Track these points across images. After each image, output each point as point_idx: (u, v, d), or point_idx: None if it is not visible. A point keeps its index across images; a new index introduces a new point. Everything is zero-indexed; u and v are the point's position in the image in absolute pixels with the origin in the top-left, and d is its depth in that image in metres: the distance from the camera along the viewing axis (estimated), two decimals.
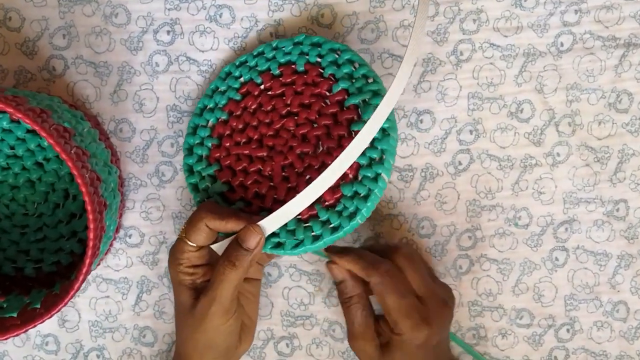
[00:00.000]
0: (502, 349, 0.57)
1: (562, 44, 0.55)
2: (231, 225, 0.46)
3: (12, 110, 0.41)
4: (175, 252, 0.48)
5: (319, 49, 0.50)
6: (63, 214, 0.53)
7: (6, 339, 0.44)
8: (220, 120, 0.51)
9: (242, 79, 0.52)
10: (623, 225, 0.56)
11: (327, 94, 0.49)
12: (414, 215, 0.56)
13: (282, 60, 0.51)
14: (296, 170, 0.49)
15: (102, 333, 0.56)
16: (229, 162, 0.50)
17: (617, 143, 0.55)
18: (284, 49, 0.51)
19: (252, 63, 0.52)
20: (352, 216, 0.46)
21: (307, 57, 0.50)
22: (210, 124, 0.52)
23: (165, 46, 0.54)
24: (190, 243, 0.47)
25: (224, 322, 0.47)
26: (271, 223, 0.46)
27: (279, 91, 0.50)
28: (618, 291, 0.56)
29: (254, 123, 0.51)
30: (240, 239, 0.46)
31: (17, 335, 0.44)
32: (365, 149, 0.45)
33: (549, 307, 0.56)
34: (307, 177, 0.48)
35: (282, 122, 0.50)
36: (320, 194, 0.45)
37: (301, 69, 0.50)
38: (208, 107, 0.52)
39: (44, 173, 0.53)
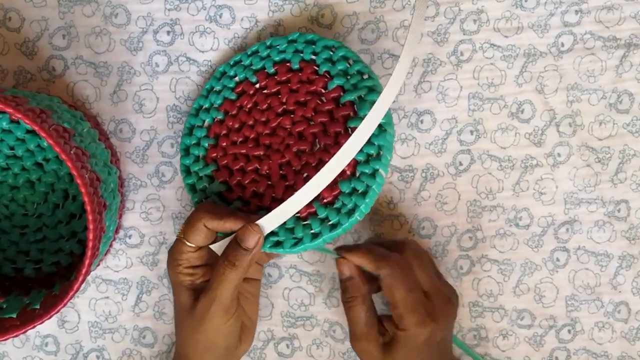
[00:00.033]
0: (503, 349, 0.57)
1: (562, 45, 0.54)
2: (230, 225, 0.46)
3: (12, 111, 0.41)
4: (174, 253, 0.48)
5: (313, 46, 0.50)
6: (63, 214, 0.53)
7: (6, 339, 0.44)
8: (216, 120, 0.51)
9: (237, 78, 0.52)
10: (624, 225, 0.56)
11: (323, 91, 0.49)
12: (415, 215, 0.56)
13: (276, 59, 0.51)
14: (293, 168, 0.49)
15: (101, 334, 0.56)
16: (226, 161, 0.50)
17: (618, 143, 0.55)
18: (278, 47, 0.51)
19: (247, 62, 0.52)
20: (350, 213, 0.46)
21: (301, 54, 0.50)
22: (206, 124, 0.52)
23: (165, 46, 0.54)
24: (188, 244, 0.47)
25: (223, 322, 0.47)
26: (269, 222, 0.46)
27: (274, 89, 0.50)
28: (619, 292, 0.56)
29: (250, 122, 0.50)
30: (239, 238, 0.46)
31: (16, 336, 0.44)
32: (362, 145, 0.45)
33: (550, 307, 0.56)
34: (305, 174, 0.48)
35: (278, 121, 0.50)
36: (319, 191, 0.45)
37: (296, 66, 0.50)
38: (204, 107, 0.52)
39: (44, 173, 0.53)
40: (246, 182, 0.50)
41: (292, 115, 0.50)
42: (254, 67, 0.51)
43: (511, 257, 0.56)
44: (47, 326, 0.56)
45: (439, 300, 0.49)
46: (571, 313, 0.56)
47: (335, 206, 0.47)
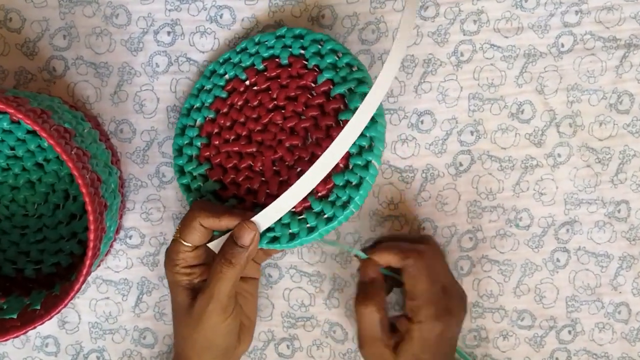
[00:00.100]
0: (503, 350, 0.57)
1: (562, 45, 0.54)
2: (225, 222, 0.46)
3: (13, 111, 0.41)
4: (170, 253, 0.48)
5: (302, 40, 0.50)
6: (63, 215, 0.53)
7: (6, 340, 0.44)
8: (207, 119, 0.51)
9: (227, 76, 0.52)
10: (624, 226, 0.56)
11: (313, 85, 0.49)
12: (415, 216, 0.56)
13: (265, 55, 0.51)
14: (287, 163, 0.49)
15: (102, 334, 0.56)
16: (219, 160, 0.50)
17: (618, 144, 0.55)
18: (266, 43, 0.51)
19: (236, 59, 0.52)
20: (345, 205, 0.46)
21: (290, 49, 0.50)
22: (198, 123, 0.52)
23: (165, 47, 0.54)
24: (185, 243, 0.47)
25: (222, 321, 0.47)
26: (265, 218, 0.46)
27: (265, 86, 0.51)
28: (620, 292, 0.56)
29: (242, 119, 0.51)
30: (234, 236, 0.46)
31: (17, 336, 0.44)
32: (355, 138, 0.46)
33: (550, 308, 0.56)
34: (298, 169, 0.49)
35: (269, 117, 0.50)
36: (313, 186, 0.45)
37: (285, 62, 0.50)
38: (195, 106, 0.52)
39: (44, 174, 0.53)
40: (240, 179, 0.50)
41: (283, 111, 0.50)
42: (243, 64, 0.51)
43: (511, 258, 0.56)
44: (48, 327, 0.56)
45: (455, 297, 0.50)
46: (571, 314, 0.56)
47: (329, 199, 0.47)
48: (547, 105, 0.55)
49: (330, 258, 0.56)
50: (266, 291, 0.56)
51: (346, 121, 0.45)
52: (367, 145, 0.46)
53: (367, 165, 0.46)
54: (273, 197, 0.46)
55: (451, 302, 0.50)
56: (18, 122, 0.52)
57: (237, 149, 0.50)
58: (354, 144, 0.46)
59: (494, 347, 0.57)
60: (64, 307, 0.44)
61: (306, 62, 0.50)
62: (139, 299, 0.56)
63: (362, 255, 0.52)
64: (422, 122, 0.55)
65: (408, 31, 0.45)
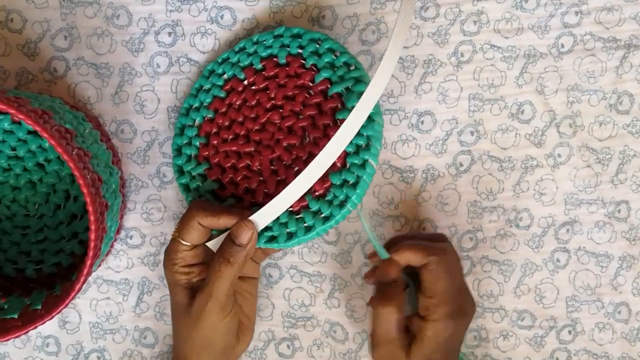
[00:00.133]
0: (503, 350, 0.57)
1: (562, 45, 0.55)
2: (223, 221, 0.46)
3: (15, 112, 0.42)
4: (169, 253, 0.48)
5: (300, 40, 0.50)
6: (64, 215, 0.53)
7: (7, 340, 0.44)
8: (206, 118, 0.52)
9: (225, 76, 0.52)
10: (624, 226, 0.56)
11: (310, 84, 0.49)
12: (415, 216, 0.56)
13: (263, 54, 0.51)
14: (284, 162, 0.49)
15: (102, 334, 0.56)
16: (217, 159, 0.51)
17: (618, 144, 0.55)
18: (265, 42, 0.51)
19: (235, 59, 0.52)
20: (342, 204, 0.46)
21: (288, 49, 0.50)
22: (197, 123, 0.52)
23: (166, 47, 0.54)
24: (184, 242, 0.47)
25: (220, 320, 0.47)
26: (262, 217, 0.46)
27: (263, 85, 0.51)
28: (620, 292, 0.56)
29: (240, 119, 0.51)
30: (232, 235, 0.46)
31: (17, 336, 0.44)
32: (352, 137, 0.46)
33: (550, 308, 0.56)
34: (296, 168, 0.49)
35: (267, 116, 0.50)
36: (310, 185, 0.45)
37: (283, 61, 0.50)
38: (194, 106, 0.52)
39: (45, 174, 0.53)
40: (238, 179, 0.50)
41: (281, 110, 0.50)
42: (241, 64, 0.51)
43: (511, 258, 0.56)
44: (48, 327, 0.56)
45: (469, 298, 0.50)
46: (572, 314, 0.56)
47: (327, 198, 0.47)
48: (547, 106, 0.55)
49: (330, 258, 0.56)
50: (266, 291, 0.56)
51: (343, 120, 0.45)
52: (364, 144, 0.46)
53: (364, 164, 0.46)
54: (271, 196, 0.47)
55: (465, 302, 0.50)
56: (19, 123, 0.52)
57: (235, 148, 0.50)
58: (351, 142, 0.46)
59: (494, 347, 0.57)
60: (65, 307, 0.44)
61: (304, 62, 0.50)
62: (140, 299, 0.56)
63: (384, 255, 0.50)
64: (422, 122, 0.55)
65: (404, 30, 0.45)
